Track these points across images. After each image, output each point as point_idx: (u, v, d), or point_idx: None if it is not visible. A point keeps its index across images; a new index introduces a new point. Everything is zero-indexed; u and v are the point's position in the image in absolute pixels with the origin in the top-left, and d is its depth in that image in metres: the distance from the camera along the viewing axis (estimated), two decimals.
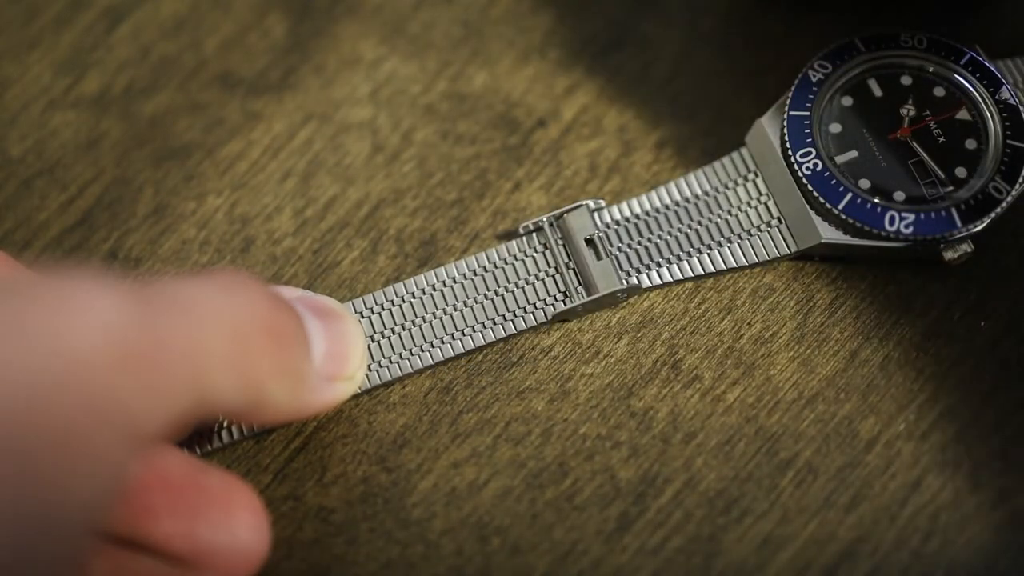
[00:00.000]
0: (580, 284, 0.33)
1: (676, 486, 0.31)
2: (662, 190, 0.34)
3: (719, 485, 0.31)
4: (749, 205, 0.33)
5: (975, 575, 0.30)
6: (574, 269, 0.33)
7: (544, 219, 0.33)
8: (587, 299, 0.32)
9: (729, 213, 0.33)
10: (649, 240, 0.33)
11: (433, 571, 0.31)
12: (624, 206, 0.34)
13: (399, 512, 0.32)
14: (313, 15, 0.37)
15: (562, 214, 0.33)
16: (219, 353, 0.26)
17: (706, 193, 0.33)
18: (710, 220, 0.33)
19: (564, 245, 0.33)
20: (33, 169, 0.36)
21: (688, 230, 0.33)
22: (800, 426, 0.32)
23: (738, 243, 0.33)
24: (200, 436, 0.32)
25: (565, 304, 0.33)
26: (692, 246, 0.33)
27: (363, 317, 0.33)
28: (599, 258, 0.33)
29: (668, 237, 0.33)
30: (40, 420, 0.23)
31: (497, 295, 0.33)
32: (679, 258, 0.33)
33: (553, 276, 0.33)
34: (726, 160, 0.33)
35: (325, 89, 0.36)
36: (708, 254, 0.33)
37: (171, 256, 0.34)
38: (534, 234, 0.33)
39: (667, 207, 0.33)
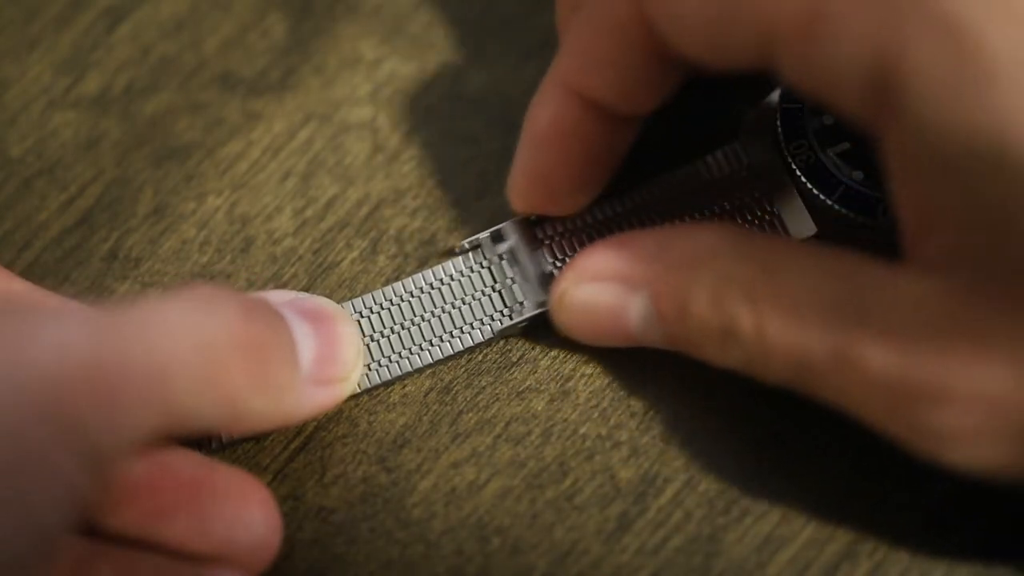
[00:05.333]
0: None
1: (676, 486, 0.31)
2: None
3: (719, 485, 0.31)
4: (741, 200, 0.33)
5: (974, 574, 0.30)
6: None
7: (481, 236, 0.33)
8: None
9: (723, 208, 0.33)
10: None
11: (433, 571, 0.31)
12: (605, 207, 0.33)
13: (399, 512, 0.32)
14: (313, 15, 0.37)
15: (499, 230, 0.33)
16: (188, 370, 0.26)
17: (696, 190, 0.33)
18: (700, 216, 0.33)
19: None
20: (33, 169, 0.36)
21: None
22: (801, 425, 0.32)
23: None
24: (200, 436, 0.32)
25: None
26: None
27: (362, 317, 0.33)
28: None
29: None
30: None
31: (495, 291, 0.33)
32: None
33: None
34: (719, 154, 0.33)
35: (325, 89, 0.36)
36: None
37: (171, 256, 0.34)
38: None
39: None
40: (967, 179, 0.25)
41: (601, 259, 0.30)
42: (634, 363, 0.33)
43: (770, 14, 0.26)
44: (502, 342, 0.33)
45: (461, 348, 0.33)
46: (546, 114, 0.31)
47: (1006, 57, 0.24)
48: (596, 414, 0.32)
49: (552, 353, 0.33)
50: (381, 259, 0.34)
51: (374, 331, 0.33)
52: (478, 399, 0.33)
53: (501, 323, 0.33)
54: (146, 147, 0.36)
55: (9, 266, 0.34)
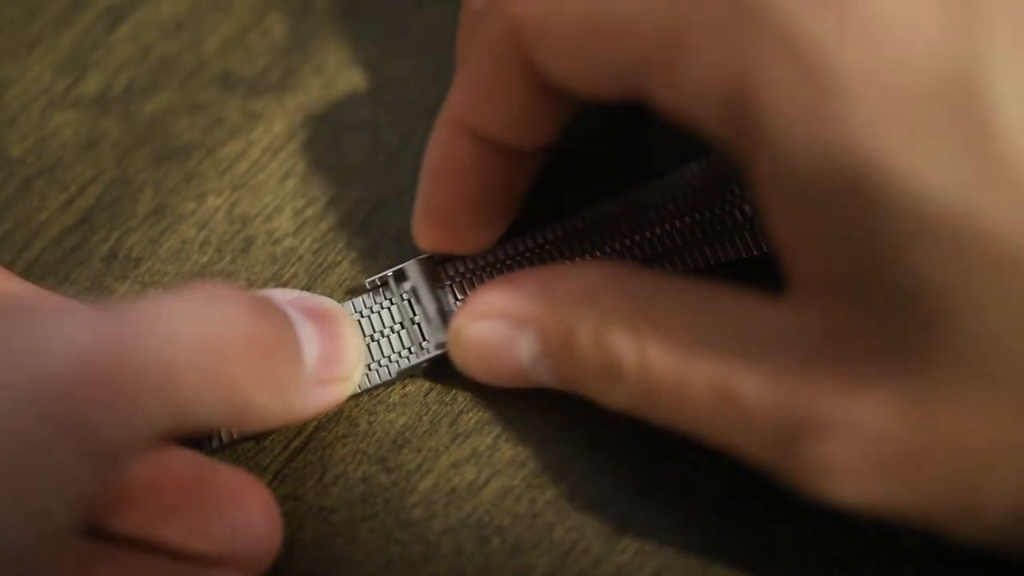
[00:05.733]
0: None
1: (676, 485, 0.31)
2: None
3: (720, 484, 0.31)
4: (723, 208, 0.33)
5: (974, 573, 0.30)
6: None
7: (390, 272, 0.33)
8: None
9: (703, 216, 0.33)
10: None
11: (433, 571, 0.31)
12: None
13: (399, 512, 0.32)
14: (313, 15, 0.37)
15: (401, 269, 0.33)
16: (194, 369, 0.26)
17: (674, 199, 0.33)
18: (680, 224, 0.33)
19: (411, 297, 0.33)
20: (33, 169, 0.36)
21: (658, 232, 0.33)
22: None
23: (711, 244, 0.32)
24: (200, 436, 0.32)
25: None
26: (673, 244, 0.33)
27: (362, 317, 0.33)
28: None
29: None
30: None
31: (394, 331, 0.33)
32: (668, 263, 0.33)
33: None
34: (704, 162, 0.33)
35: (325, 89, 0.36)
36: (682, 255, 0.32)
37: (171, 256, 0.34)
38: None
39: None
40: (828, 205, 0.24)
41: (491, 297, 0.30)
42: None
43: (635, 45, 0.26)
44: None
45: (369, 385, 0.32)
46: (439, 151, 0.31)
47: (855, 76, 0.23)
48: (596, 414, 0.32)
49: None
50: (381, 259, 0.34)
51: (374, 331, 0.33)
52: (478, 399, 0.33)
53: (399, 364, 0.32)
54: (146, 147, 0.36)
55: (9, 266, 0.34)
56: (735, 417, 0.27)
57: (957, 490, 0.25)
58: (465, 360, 0.31)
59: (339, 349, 0.31)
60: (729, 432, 0.27)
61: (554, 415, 0.32)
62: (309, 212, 0.35)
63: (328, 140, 0.36)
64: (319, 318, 0.30)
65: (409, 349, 0.32)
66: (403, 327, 0.32)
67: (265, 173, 0.35)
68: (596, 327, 0.28)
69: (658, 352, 0.27)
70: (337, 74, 0.36)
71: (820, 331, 0.26)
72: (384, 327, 0.33)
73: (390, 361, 0.32)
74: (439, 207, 0.31)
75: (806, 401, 0.26)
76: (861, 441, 0.25)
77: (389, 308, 0.33)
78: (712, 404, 0.27)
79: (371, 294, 0.33)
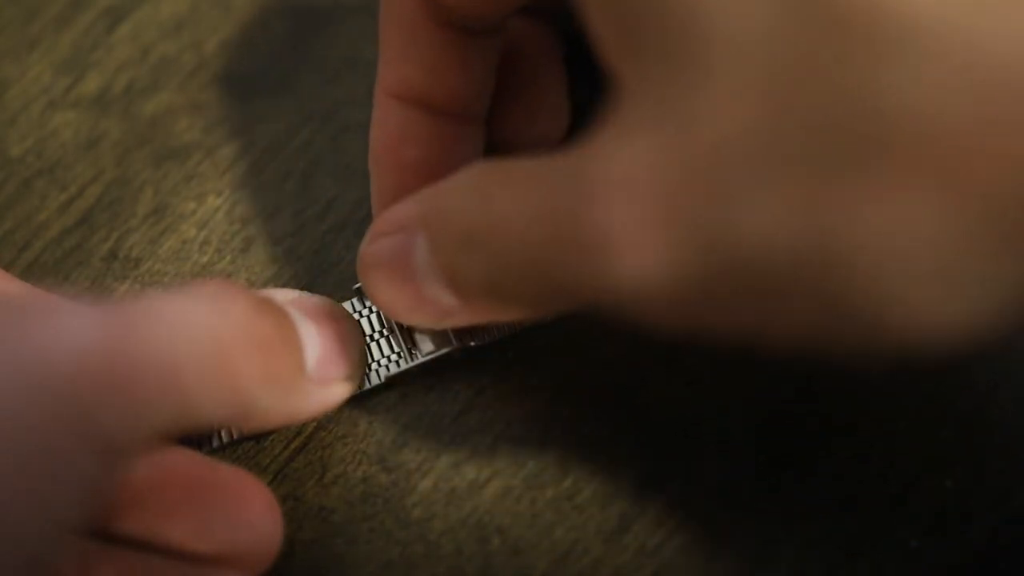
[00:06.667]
0: None
1: (676, 485, 0.31)
2: None
3: (719, 483, 0.31)
4: None
5: (974, 573, 0.30)
6: None
7: None
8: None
9: None
10: None
11: (433, 571, 0.31)
12: None
13: (399, 512, 0.32)
14: (313, 15, 0.37)
15: None
16: (198, 366, 0.26)
17: None
18: None
19: None
20: (33, 169, 0.36)
21: None
22: (803, 421, 0.32)
23: None
24: (200, 436, 0.32)
25: None
26: None
27: (362, 317, 0.33)
28: None
29: None
30: (5, 428, 0.23)
31: (383, 336, 0.33)
32: None
33: None
34: None
35: (325, 89, 0.36)
36: None
37: (171, 256, 0.34)
38: None
39: None
40: None
41: (388, 213, 0.29)
42: (634, 362, 0.33)
43: None
44: (500, 342, 0.33)
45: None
46: (378, 133, 0.31)
47: None
48: (596, 413, 0.32)
49: (552, 352, 0.33)
50: None
51: (374, 331, 0.33)
52: (478, 399, 0.33)
53: (388, 369, 0.32)
54: (146, 147, 0.36)
55: (9, 266, 0.34)
56: (553, 236, 0.24)
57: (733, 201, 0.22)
58: (372, 286, 0.29)
59: (340, 349, 0.31)
60: (549, 261, 0.24)
61: (554, 415, 0.32)
62: (309, 212, 0.35)
63: (328, 140, 0.36)
64: (319, 318, 0.30)
65: (398, 354, 0.32)
66: (392, 332, 0.32)
67: (265, 173, 0.35)
68: (456, 205, 0.26)
69: (506, 206, 0.25)
70: (337, 74, 0.36)
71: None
72: (373, 331, 0.33)
73: (379, 366, 0.32)
74: (392, 190, 0.31)
75: (574, 168, 0.23)
76: (630, 186, 0.22)
77: (379, 312, 0.33)
78: (542, 240, 0.24)
79: (360, 298, 0.33)
